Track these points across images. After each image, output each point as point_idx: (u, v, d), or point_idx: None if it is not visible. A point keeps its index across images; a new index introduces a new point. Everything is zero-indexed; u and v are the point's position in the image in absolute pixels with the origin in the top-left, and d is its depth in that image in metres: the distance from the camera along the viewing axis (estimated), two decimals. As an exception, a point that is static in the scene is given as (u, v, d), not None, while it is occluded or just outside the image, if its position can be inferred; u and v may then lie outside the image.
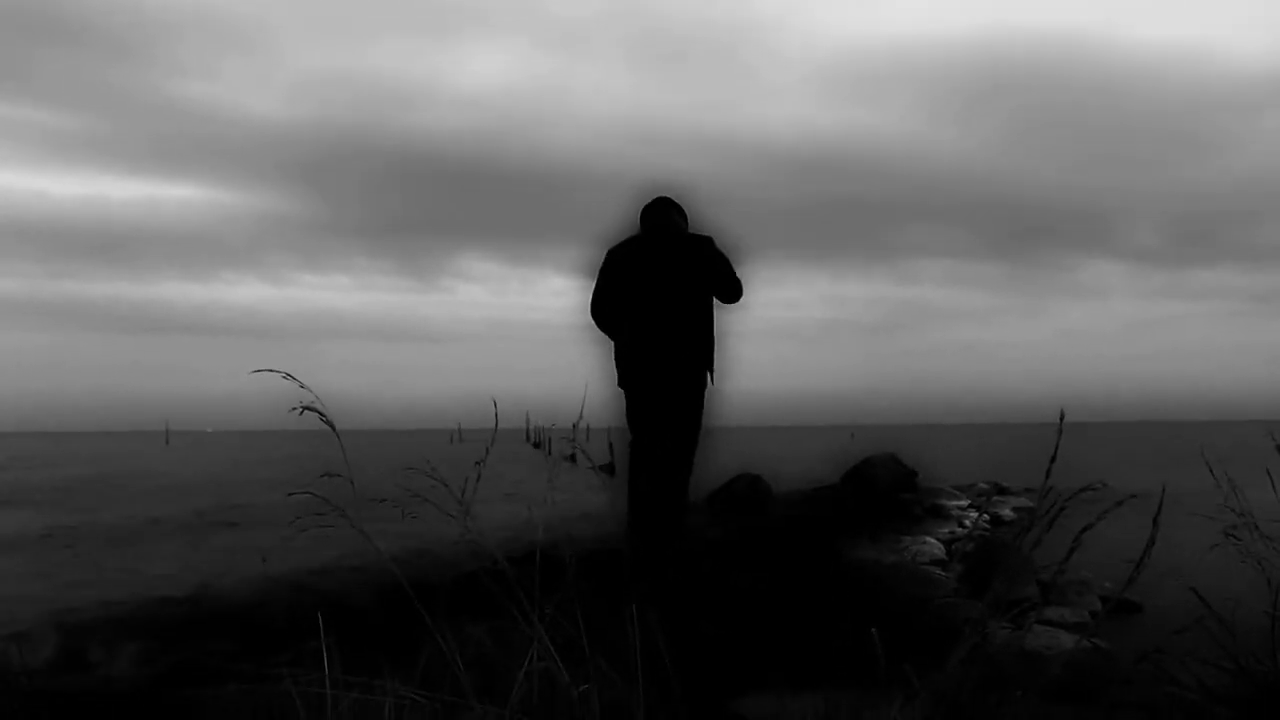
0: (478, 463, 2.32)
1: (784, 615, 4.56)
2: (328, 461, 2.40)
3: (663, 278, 5.36)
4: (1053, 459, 2.21)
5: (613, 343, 5.56)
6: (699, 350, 5.40)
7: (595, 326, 5.59)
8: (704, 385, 5.42)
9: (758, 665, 3.56)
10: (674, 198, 5.62)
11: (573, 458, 21.65)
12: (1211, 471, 3.05)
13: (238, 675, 3.13)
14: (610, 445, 29.19)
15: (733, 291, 5.44)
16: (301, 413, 2.22)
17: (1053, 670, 3.30)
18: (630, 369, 5.44)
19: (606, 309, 5.53)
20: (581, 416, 2.84)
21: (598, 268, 5.57)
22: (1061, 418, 2.22)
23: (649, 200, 5.59)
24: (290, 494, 2.27)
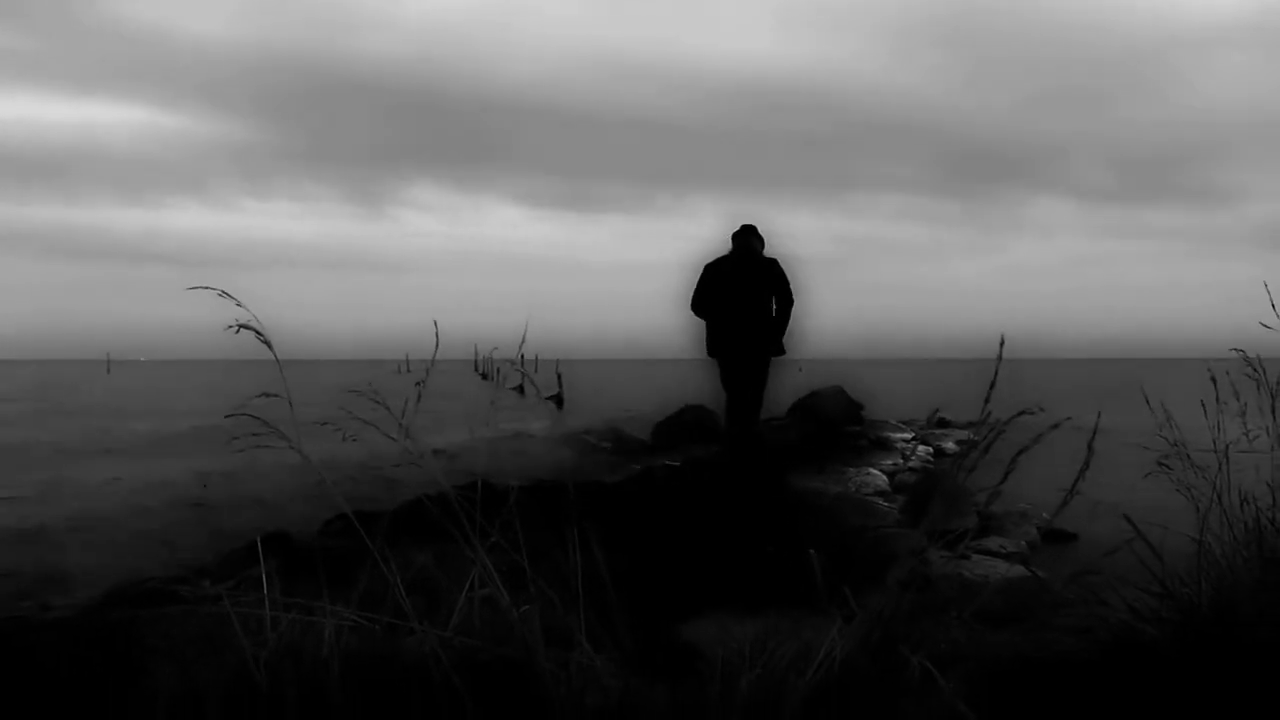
0: (418, 383, 2.29)
1: (729, 543, 4.61)
2: (267, 385, 2.35)
3: (743, 285, 8.12)
4: (992, 384, 2.22)
5: (705, 325, 8.27)
6: (764, 331, 8.16)
7: (694, 314, 8.30)
8: (768, 352, 8.20)
9: (701, 591, 3.60)
10: (755, 225, 8.29)
11: (520, 389, 21.61)
12: (1149, 404, 3.12)
13: (177, 598, 3.10)
14: (559, 376, 29.25)
15: (787, 302, 8.16)
16: (238, 331, 2.17)
17: (987, 595, 3.37)
18: (719, 343, 8.23)
19: (703, 304, 8.23)
20: (524, 342, 2.79)
21: (698, 275, 8.24)
22: (1001, 343, 2.22)
23: (738, 227, 8.24)
24: (227, 415, 2.23)
